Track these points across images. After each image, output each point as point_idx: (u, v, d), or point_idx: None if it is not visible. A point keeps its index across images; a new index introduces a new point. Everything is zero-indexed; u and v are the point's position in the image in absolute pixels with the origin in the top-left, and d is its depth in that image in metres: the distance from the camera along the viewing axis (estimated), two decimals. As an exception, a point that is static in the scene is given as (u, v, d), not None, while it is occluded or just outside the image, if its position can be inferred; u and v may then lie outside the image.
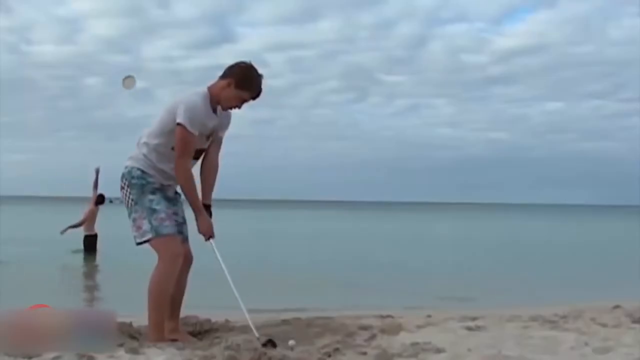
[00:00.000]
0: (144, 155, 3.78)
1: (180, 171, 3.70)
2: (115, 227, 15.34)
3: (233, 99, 3.76)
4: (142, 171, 3.76)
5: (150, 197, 3.73)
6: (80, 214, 12.50)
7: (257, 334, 3.65)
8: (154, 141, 3.75)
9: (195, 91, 3.77)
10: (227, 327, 4.28)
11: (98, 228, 12.41)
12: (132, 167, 3.77)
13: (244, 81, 3.73)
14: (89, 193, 12.42)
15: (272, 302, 6.83)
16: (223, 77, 3.78)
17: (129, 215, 3.76)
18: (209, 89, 3.79)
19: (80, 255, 12.00)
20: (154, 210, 3.71)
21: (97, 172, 12.05)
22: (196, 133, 3.66)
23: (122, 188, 3.79)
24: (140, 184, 3.74)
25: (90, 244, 12.19)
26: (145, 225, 3.69)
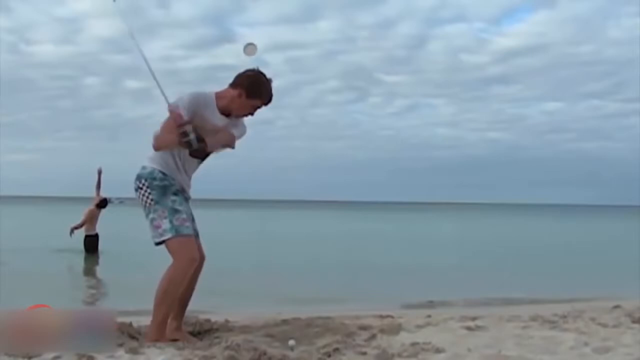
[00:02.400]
0: (161, 158, 3.81)
1: (155, 138, 3.74)
2: (116, 227, 15.39)
3: (245, 107, 3.85)
4: (164, 173, 3.79)
5: (173, 197, 3.76)
6: (80, 214, 12.50)
7: None
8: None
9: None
10: (227, 327, 4.28)
11: (99, 228, 12.39)
12: (154, 169, 3.78)
13: (254, 90, 3.81)
14: (90, 193, 12.41)
15: (272, 302, 6.84)
16: (233, 86, 3.84)
17: (147, 215, 3.76)
18: (217, 94, 3.85)
19: (81, 255, 11.99)
20: (176, 211, 3.73)
21: (100, 173, 12.03)
22: (184, 114, 3.65)
23: (140, 188, 3.77)
24: (162, 185, 3.76)
25: (90, 244, 12.17)
26: (166, 225, 3.69)
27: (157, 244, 3.75)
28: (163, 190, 3.75)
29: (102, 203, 12.08)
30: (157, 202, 3.72)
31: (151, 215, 3.73)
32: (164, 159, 3.80)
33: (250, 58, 3.88)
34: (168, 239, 3.70)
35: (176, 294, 3.76)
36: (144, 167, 3.81)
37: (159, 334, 3.73)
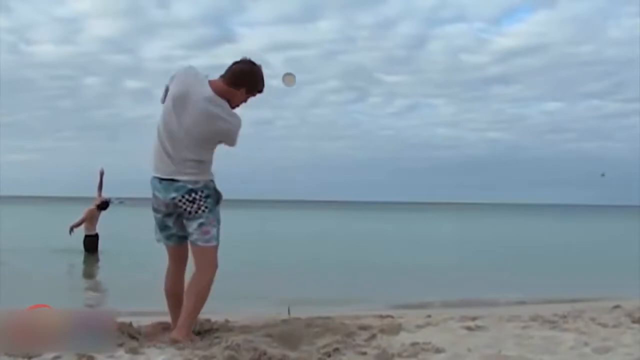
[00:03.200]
0: (211, 170, 3.94)
1: None
2: (116, 227, 15.38)
3: (241, 99, 3.95)
4: (215, 184, 3.97)
5: (219, 209, 3.97)
6: (80, 214, 12.48)
7: None
8: (205, 156, 3.88)
9: (217, 101, 3.81)
10: (227, 327, 4.28)
11: (99, 228, 12.39)
12: (210, 180, 3.92)
13: (254, 85, 3.93)
14: (90, 193, 12.40)
15: (271, 302, 6.84)
16: (230, 83, 3.85)
17: (196, 219, 3.85)
18: (214, 89, 3.83)
19: (81, 255, 11.99)
20: (219, 222, 3.96)
21: (102, 174, 12.04)
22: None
23: (196, 199, 3.82)
24: (217, 197, 3.94)
25: (90, 244, 12.17)
26: (214, 232, 3.90)
27: (199, 247, 3.89)
28: (216, 199, 3.94)
29: (103, 205, 12.07)
30: (210, 211, 3.87)
31: (201, 220, 3.86)
32: (211, 171, 3.94)
33: (290, 88, 4.10)
34: (212, 246, 3.89)
35: (207, 298, 3.93)
36: (195, 182, 3.83)
37: (188, 336, 3.80)
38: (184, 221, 3.89)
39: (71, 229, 11.99)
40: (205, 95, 3.77)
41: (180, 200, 3.82)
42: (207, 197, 3.87)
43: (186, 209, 3.83)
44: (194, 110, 3.75)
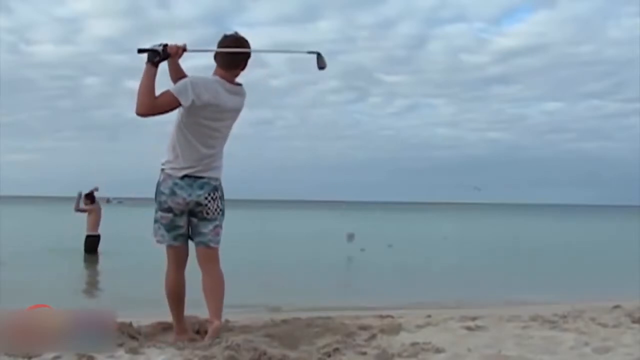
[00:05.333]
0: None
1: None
2: (115, 227, 15.41)
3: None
4: None
5: None
6: (80, 214, 12.49)
7: None
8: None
9: (240, 90, 3.95)
10: (227, 327, 4.28)
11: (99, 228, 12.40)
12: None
13: (246, 59, 3.92)
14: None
15: (271, 302, 6.84)
16: (230, 69, 3.88)
17: (212, 221, 3.91)
18: (218, 76, 3.89)
19: (81, 256, 12.00)
20: None
21: (80, 196, 12.11)
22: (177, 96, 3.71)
23: (216, 199, 3.90)
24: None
25: (91, 244, 12.18)
26: (221, 234, 4.00)
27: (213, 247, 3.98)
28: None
29: (91, 196, 12.12)
30: (223, 213, 3.98)
31: (217, 222, 3.94)
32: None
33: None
34: (218, 247, 3.98)
35: None
36: (217, 179, 3.92)
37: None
38: (197, 222, 3.88)
39: (76, 210, 12.07)
40: (231, 89, 3.85)
41: (206, 198, 3.85)
42: (221, 197, 3.93)
43: (210, 208, 3.87)
44: (233, 106, 3.88)
